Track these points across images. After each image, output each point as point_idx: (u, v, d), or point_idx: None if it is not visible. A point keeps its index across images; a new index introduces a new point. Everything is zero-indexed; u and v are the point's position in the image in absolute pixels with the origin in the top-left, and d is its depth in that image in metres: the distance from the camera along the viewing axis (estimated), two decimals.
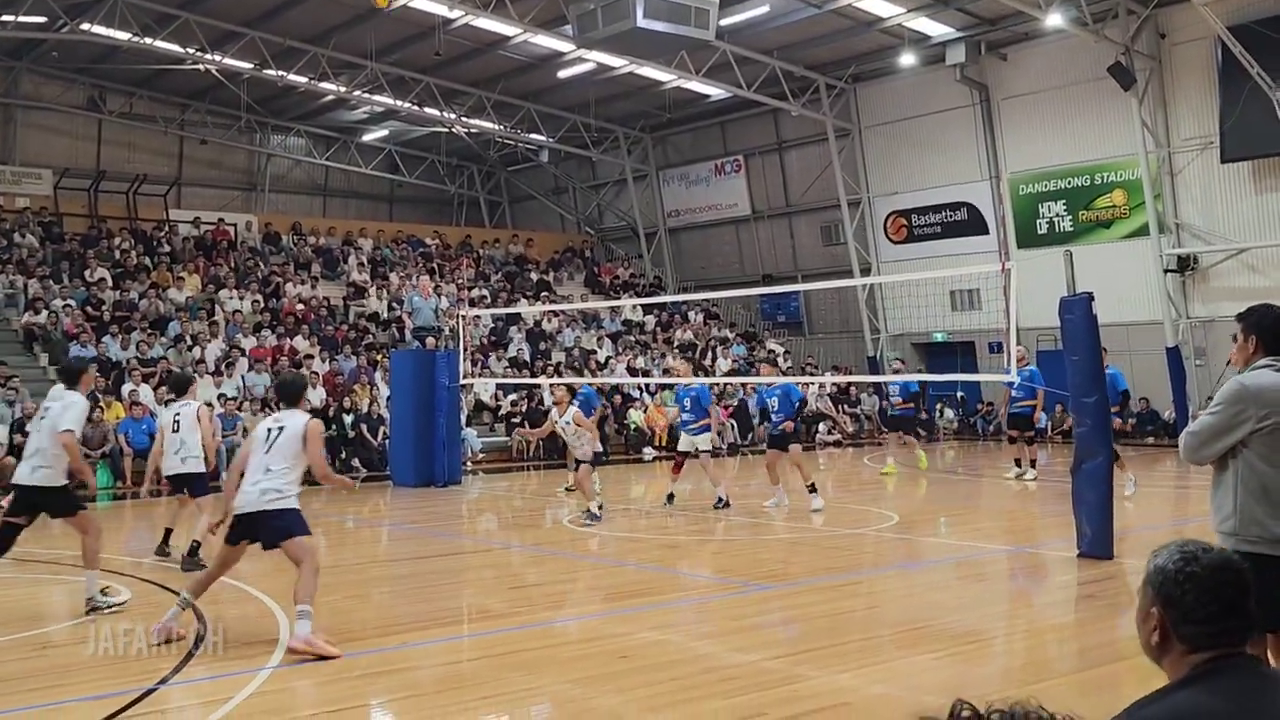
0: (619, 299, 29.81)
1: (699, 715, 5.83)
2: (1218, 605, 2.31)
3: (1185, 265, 24.71)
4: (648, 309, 30.77)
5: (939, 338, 28.69)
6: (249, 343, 23.42)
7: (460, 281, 29.04)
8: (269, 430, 7.72)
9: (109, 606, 8.69)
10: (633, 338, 29.53)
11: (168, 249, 26.82)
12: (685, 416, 15.38)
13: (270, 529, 7.41)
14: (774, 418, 14.75)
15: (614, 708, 6.09)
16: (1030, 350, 24.69)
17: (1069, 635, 8.13)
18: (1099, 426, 10.45)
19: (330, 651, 7.04)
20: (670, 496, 15.08)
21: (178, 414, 11.10)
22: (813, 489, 14.18)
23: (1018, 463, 17.99)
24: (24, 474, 8.97)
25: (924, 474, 19.26)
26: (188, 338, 22.75)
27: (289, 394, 8.05)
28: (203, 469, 11.24)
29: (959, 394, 28.98)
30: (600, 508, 13.51)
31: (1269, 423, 4.52)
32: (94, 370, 16.01)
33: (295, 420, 7.71)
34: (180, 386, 11.62)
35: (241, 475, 7.63)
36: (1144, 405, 25.14)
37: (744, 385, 26.06)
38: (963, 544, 12.42)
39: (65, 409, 8.91)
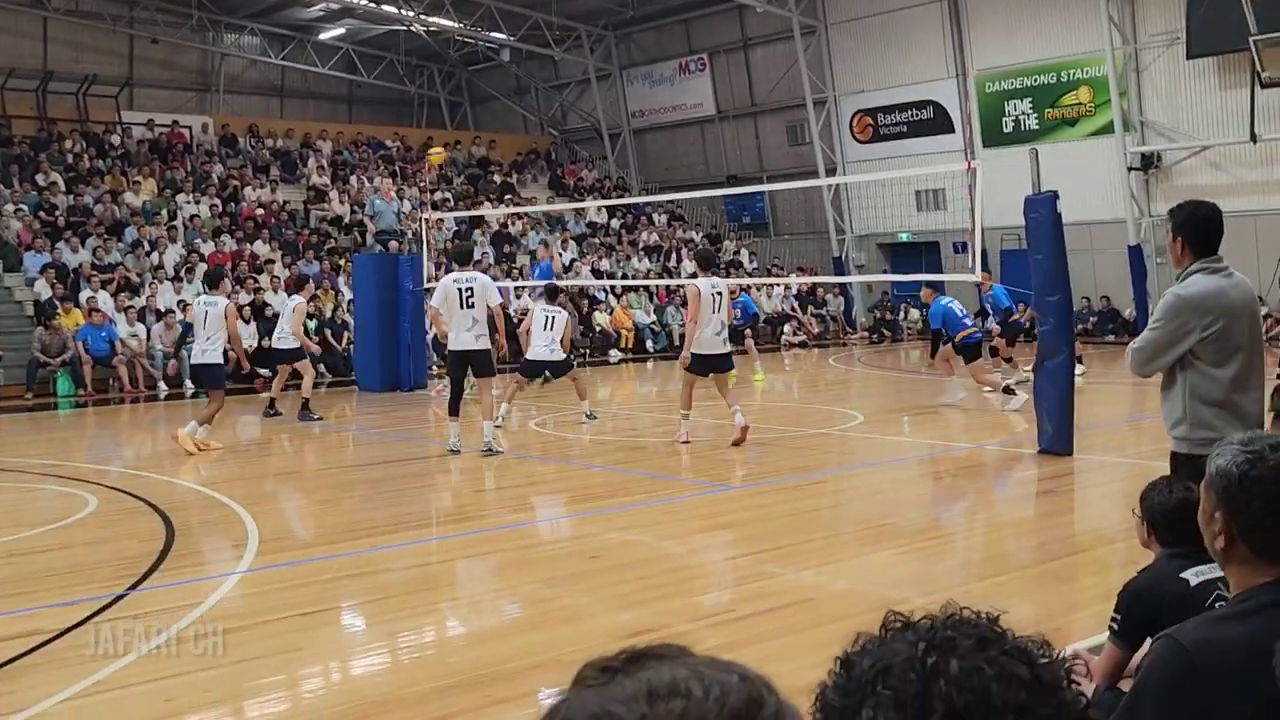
0: (583, 201, 29.56)
1: (668, 613, 5.92)
2: None
3: (1149, 163, 24.76)
4: (612, 211, 30.55)
5: (904, 238, 28.73)
6: (208, 248, 23.07)
7: (422, 184, 28.67)
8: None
9: None
10: (597, 240, 29.36)
11: (121, 152, 26.24)
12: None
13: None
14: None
15: (584, 606, 6.18)
16: (993, 250, 24.82)
17: (1028, 529, 8.30)
18: (1061, 325, 10.54)
19: None
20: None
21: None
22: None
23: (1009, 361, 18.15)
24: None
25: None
26: (145, 243, 22.38)
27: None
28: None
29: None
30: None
31: (1214, 329, 4.51)
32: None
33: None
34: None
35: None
36: (1105, 304, 25.39)
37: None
38: (926, 442, 12.59)
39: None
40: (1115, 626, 3.46)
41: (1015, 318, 16.54)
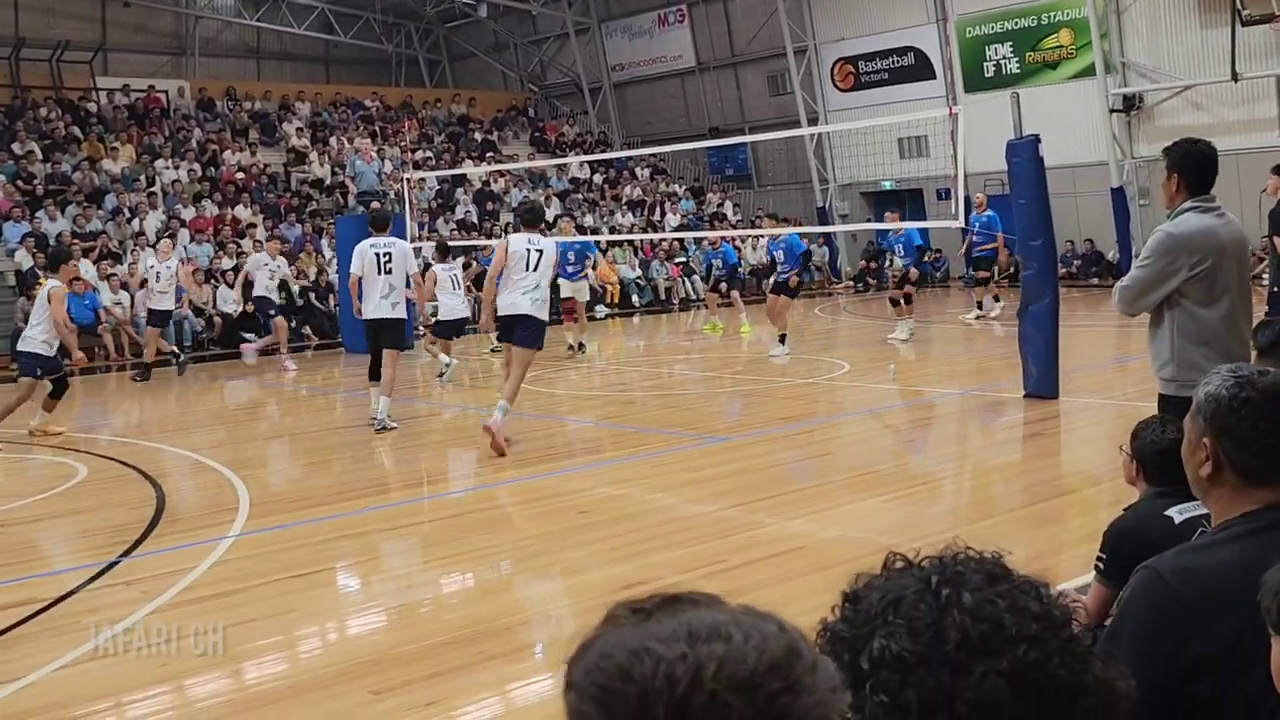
0: (565, 157, 29.38)
1: (660, 565, 5.97)
2: (1274, 434, 2.18)
3: (1131, 105, 24.69)
4: (594, 166, 30.38)
5: (887, 186, 28.64)
6: (189, 213, 22.90)
7: (403, 144, 28.45)
8: (528, 250, 9.51)
9: None
10: (580, 196, 29.22)
11: (97, 118, 25.95)
12: (781, 267, 15.60)
13: (530, 331, 9.47)
14: (780, 269, 15.46)
15: (576, 561, 6.22)
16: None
17: (1015, 473, 8.36)
18: (1046, 269, 10.56)
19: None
20: (782, 338, 15.06)
21: (388, 254, 10.86)
22: (783, 340, 14.72)
23: (979, 305, 18.28)
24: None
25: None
26: (126, 210, 22.20)
27: (533, 217, 10.18)
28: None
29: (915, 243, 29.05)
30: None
31: (1202, 268, 4.49)
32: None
33: (549, 245, 9.77)
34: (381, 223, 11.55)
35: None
36: (1089, 246, 25.41)
37: (696, 242, 26.03)
38: (912, 389, 12.64)
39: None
40: (1101, 565, 3.50)
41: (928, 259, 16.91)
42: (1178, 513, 3.23)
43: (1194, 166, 4.60)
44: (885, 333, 17.58)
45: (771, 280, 16.05)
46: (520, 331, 9.49)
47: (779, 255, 15.67)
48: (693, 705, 0.87)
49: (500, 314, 9.74)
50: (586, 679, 0.92)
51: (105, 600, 5.68)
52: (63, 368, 11.44)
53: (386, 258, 10.75)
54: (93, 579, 5.99)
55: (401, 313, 10.97)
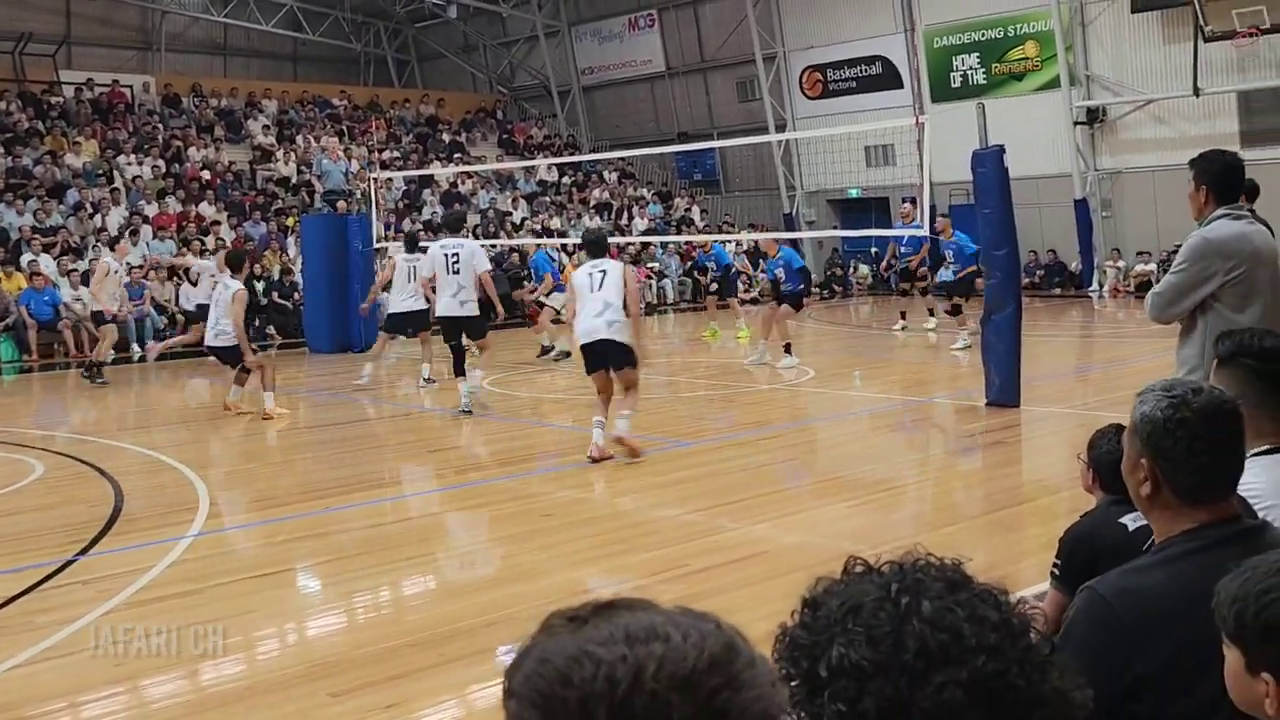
0: (533, 159, 29.34)
1: (624, 568, 5.97)
2: (1210, 454, 2.17)
3: (1094, 117, 24.97)
4: (563, 169, 30.35)
5: (854, 193, 28.79)
6: (152, 210, 22.68)
7: (370, 144, 28.31)
8: (590, 274, 9.09)
9: None
10: (548, 198, 29.19)
11: (60, 113, 25.65)
12: (785, 285, 15.05)
13: (621, 355, 8.88)
14: (784, 287, 14.93)
15: (538, 564, 6.21)
16: (942, 205, 24.96)
17: (976, 481, 8.43)
18: (1009, 278, 10.65)
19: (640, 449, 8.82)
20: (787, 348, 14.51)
21: (455, 255, 11.47)
22: (789, 350, 14.26)
23: (930, 312, 18.43)
24: None
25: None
26: (88, 205, 21.96)
27: (597, 247, 9.52)
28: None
29: (873, 249, 29.25)
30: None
31: (1237, 273, 4.49)
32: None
33: (614, 266, 9.27)
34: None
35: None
36: (1052, 256, 25.65)
37: (664, 247, 26.06)
38: (877, 396, 12.71)
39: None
40: (1056, 572, 3.53)
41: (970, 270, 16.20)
42: (1131, 520, 3.26)
43: (1221, 176, 4.61)
44: (850, 339, 17.66)
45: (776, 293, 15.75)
46: (612, 359, 8.90)
47: (780, 274, 15.09)
48: (634, 706, 0.87)
49: (581, 343, 9.21)
50: (526, 686, 0.91)
51: (60, 600, 5.61)
52: None
53: (454, 258, 11.33)
54: (48, 578, 5.92)
55: (472, 310, 11.51)
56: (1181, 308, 4.60)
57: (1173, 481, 2.19)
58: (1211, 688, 1.75)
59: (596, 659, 0.89)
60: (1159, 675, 2.03)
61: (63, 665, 4.74)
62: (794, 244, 16.52)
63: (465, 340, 11.77)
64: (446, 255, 11.35)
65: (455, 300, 11.32)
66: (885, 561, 1.17)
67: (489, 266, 12.09)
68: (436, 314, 11.69)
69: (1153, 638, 2.05)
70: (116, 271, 15.21)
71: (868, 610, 1.10)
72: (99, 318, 15.62)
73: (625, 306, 8.86)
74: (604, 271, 9.14)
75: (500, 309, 12.89)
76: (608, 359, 8.88)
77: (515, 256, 23.97)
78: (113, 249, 17.48)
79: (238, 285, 11.74)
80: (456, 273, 11.28)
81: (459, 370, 11.47)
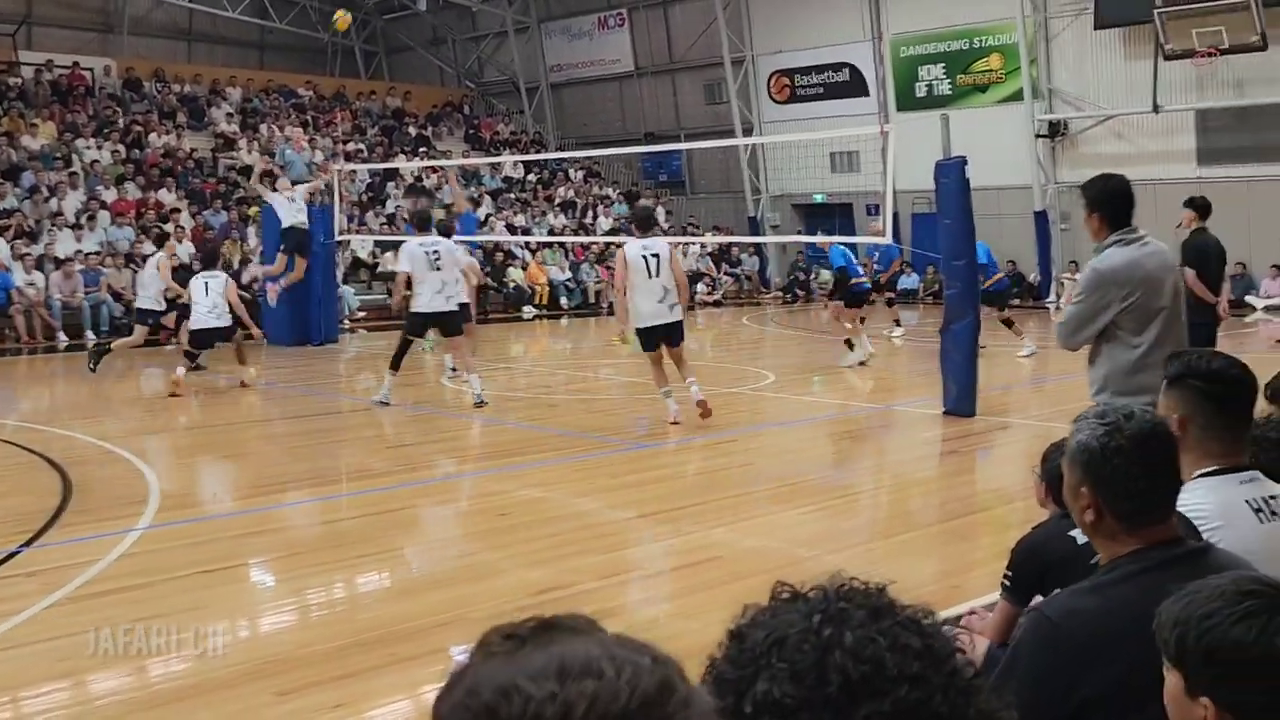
0: (499, 156, 29.23)
1: (578, 570, 5.95)
2: (1147, 477, 2.21)
3: (1056, 131, 25.23)
4: (528, 166, 30.27)
5: (818, 199, 28.93)
6: (110, 195, 22.39)
7: (335, 135, 28.10)
8: (644, 258, 10.11)
9: None
10: (513, 195, 29.11)
11: (18, 94, 25.25)
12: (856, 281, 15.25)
13: (680, 333, 10.32)
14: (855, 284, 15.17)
15: (493, 564, 6.18)
16: (905, 214, 25.12)
17: (932, 489, 8.48)
18: (968, 288, 10.73)
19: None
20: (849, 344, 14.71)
21: (435, 252, 11.48)
22: (851, 345, 14.56)
23: (897, 323, 18.55)
24: None
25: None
26: (44, 189, 21.64)
27: (646, 222, 11.05)
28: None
29: None
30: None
31: (1133, 299, 4.65)
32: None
33: (664, 247, 10.45)
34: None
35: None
36: (1011, 268, 25.86)
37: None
38: (835, 402, 12.77)
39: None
40: (1007, 583, 3.55)
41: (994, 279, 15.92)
42: (1081, 534, 3.29)
43: (1110, 202, 4.77)
44: (812, 344, 17.72)
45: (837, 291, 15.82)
46: (675, 337, 10.29)
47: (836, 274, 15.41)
48: None
49: (645, 325, 10.23)
50: (452, 716, 0.89)
51: (4, 592, 5.52)
52: None
53: (435, 255, 11.35)
54: None
55: (455, 305, 11.56)
56: (1085, 335, 4.79)
57: (1113, 508, 2.23)
58: (1159, 709, 1.77)
59: (525, 695, 0.86)
60: (1106, 697, 2.05)
61: (4, 659, 4.66)
62: (851, 248, 16.26)
63: (436, 336, 11.83)
64: (427, 253, 11.33)
65: (441, 296, 11.33)
66: (811, 587, 1.17)
67: (471, 259, 12.22)
68: (415, 309, 11.52)
69: (1099, 659, 2.07)
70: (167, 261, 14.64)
71: (791, 643, 1.09)
72: (145, 315, 14.54)
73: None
74: (656, 255, 10.21)
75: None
76: (671, 337, 10.24)
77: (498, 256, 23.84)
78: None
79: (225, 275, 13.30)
80: (438, 269, 11.29)
81: (396, 363, 11.44)
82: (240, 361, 13.30)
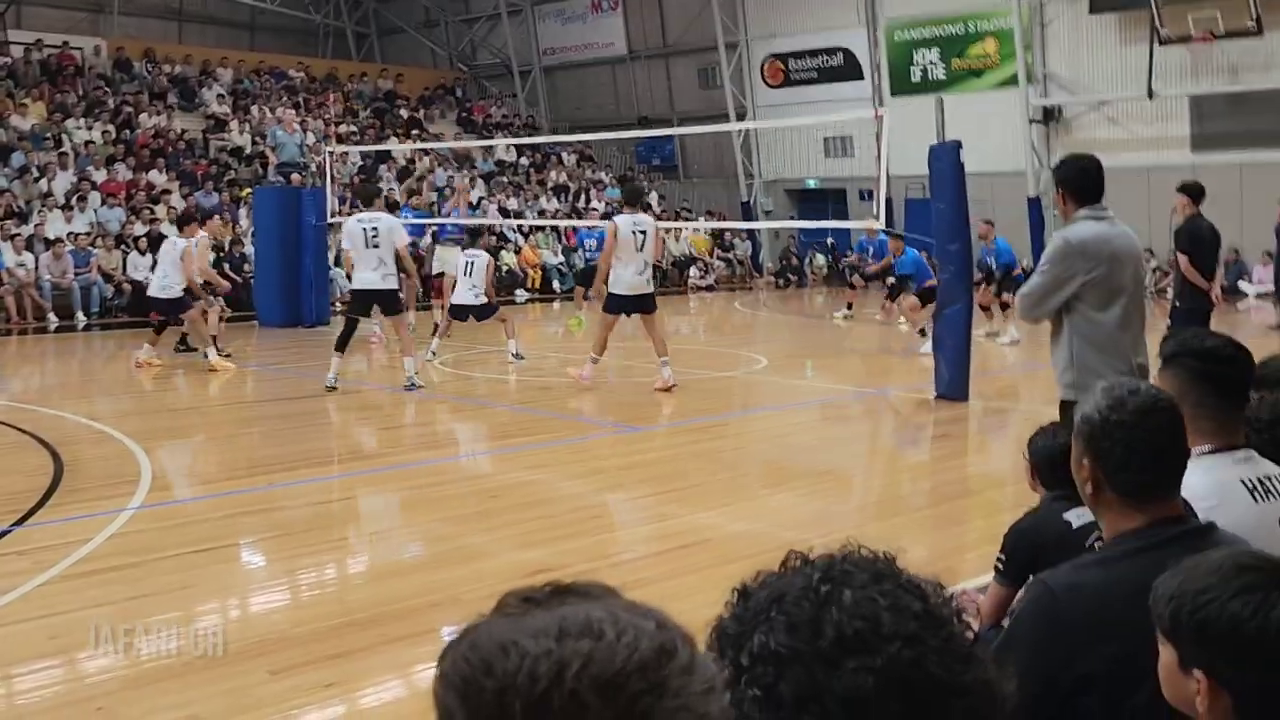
0: (492, 139, 29.13)
1: (569, 553, 5.96)
2: (1149, 452, 2.21)
3: (1050, 116, 25.22)
4: (521, 150, 30.19)
5: (811, 184, 28.91)
6: (100, 176, 22.28)
7: (327, 117, 27.98)
8: (634, 232, 10.97)
9: None
10: (505, 179, 29.03)
11: (7, 73, 25.09)
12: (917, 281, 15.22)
13: (653, 303, 11.16)
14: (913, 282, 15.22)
15: (484, 546, 6.18)
16: (898, 199, 25.12)
17: (923, 473, 8.50)
18: (961, 273, 10.73)
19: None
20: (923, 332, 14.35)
21: (374, 229, 11.28)
22: (924, 333, 14.15)
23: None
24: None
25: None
26: (34, 169, 21.52)
27: (634, 197, 12.17)
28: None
29: (829, 240, 29.40)
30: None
31: (1097, 273, 4.65)
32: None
33: (651, 224, 11.32)
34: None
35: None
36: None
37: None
38: (828, 386, 12.78)
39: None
40: (1000, 566, 3.57)
41: (1017, 272, 16.00)
42: (1075, 516, 3.30)
43: (1077, 178, 4.78)
44: (804, 329, 17.73)
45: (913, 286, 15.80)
46: (646, 305, 11.17)
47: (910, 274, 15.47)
48: (551, 703, 0.86)
49: (623, 293, 11.02)
50: (453, 669, 0.91)
51: None
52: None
53: (373, 231, 11.18)
54: None
55: (392, 284, 11.36)
56: (1048, 307, 4.77)
57: (1113, 481, 2.23)
58: (1157, 687, 1.77)
59: (522, 651, 0.88)
60: (1105, 673, 2.05)
61: None
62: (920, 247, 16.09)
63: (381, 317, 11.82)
64: (365, 229, 11.19)
65: (375, 274, 11.17)
66: (822, 554, 1.18)
67: (408, 240, 12.14)
68: (352, 287, 11.54)
69: (1098, 635, 2.07)
70: (197, 244, 14.18)
71: (790, 599, 1.11)
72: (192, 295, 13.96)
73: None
74: (644, 233, 11.09)
75: (417, 283, 13.57)
76: (644, 307, 11.13)
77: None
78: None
79: (186, 242, 12.89)
80: (375, 246, 11.14)
81: (341, 345, 11.29)
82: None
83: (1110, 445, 2.21)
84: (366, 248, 11.14)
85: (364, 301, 11.47)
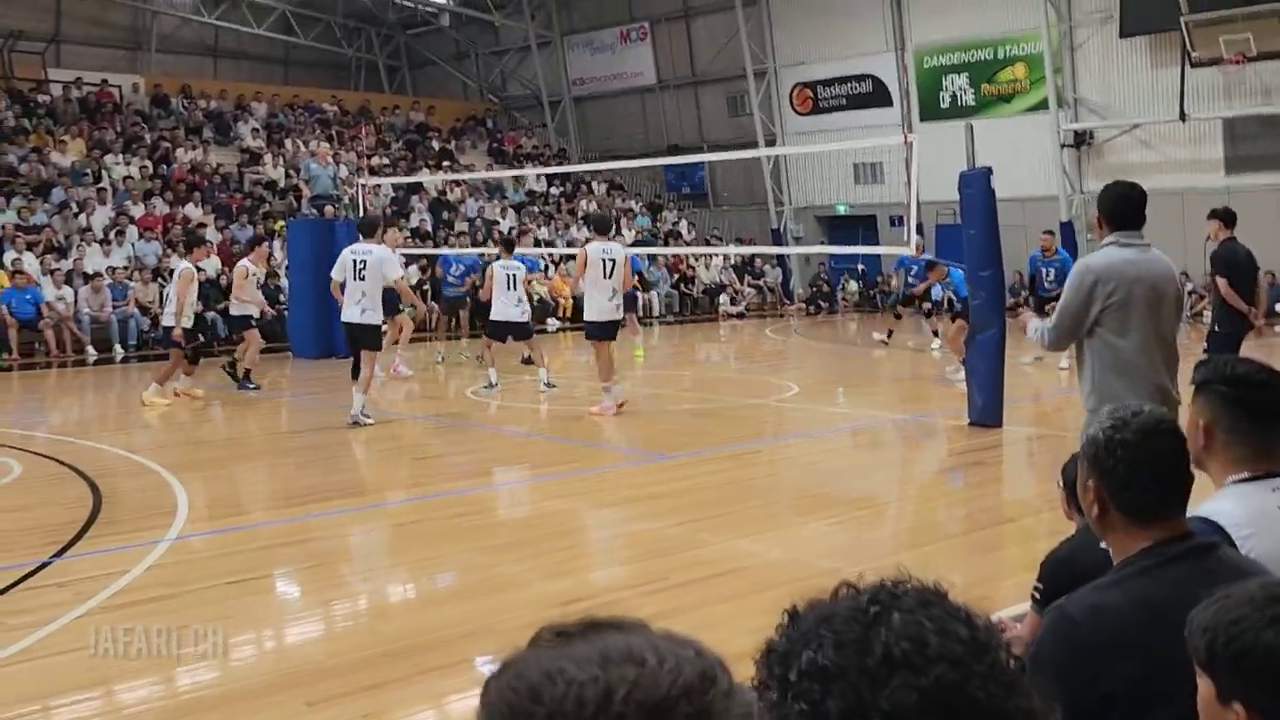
0: (523, 169, 29.34)
1: (602, 581, 5.96)
2: (1151, 472, 2.24)
3: (1081, 140, 25.12)
4: (551, 179, 30.37)
5: (841, 210, 28.89)
6: (138, 210, 22.61)
7: (360, 149, 28.27)
8: (604, 259, 11.33)
9: None
10: (536, 208, 29.19)
11: (47, 110, 25.55)
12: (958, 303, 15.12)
13: (367, 337, 11.17)
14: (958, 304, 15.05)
15: (517, 575, 6.19)
16: (929, 225, 25.05)
17: (957, 500, 8.44)
18: (993, 299, 10.67)
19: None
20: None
21: (363, 261, 11.31)
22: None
23: (935, 334, 18.37)
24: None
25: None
26: (73, 204, 21.87)
27: (604, 226, 12.46)
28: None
29: (860, 267, 29.36)
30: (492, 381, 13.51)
31: (1115, 298, 4.67)
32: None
33: (620, 252, 11.67)
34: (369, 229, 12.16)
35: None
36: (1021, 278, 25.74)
37: (652, 260, 26.05)
38: (860, 413, 12.73)
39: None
40: (1037, 595, 3.53)
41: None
42: None
43: (1112, 204, 4.81)
44: (835, 356, 17.64)
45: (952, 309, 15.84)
46: (610, 332, 11.67)
47: (951, 294, 15.54)
48: None
49: (604, 320, 11.52)
50: (499, 698, 0.92)
51: (36, 601, 5.57)
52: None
53: (362, 264, 11.16)
54: (23, 579, 5.87)
55: (371, 319, 11.28)
56: (1069, 331, 4.83)
57: (1118, 500, 2.26)
58: (1178, 707, 1.76)
59: (569, 678, 0.89)
60: (1126, 693, 2.06)
61: (36, 668, 4.70)
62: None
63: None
64: (355, 261, 11.17)
65: (356, 308, 11.13)
66: (869, 584, 1.20)
67: (400, 273, 12.07)
68: (341, 319, 11.48)
69: (1118, 655, 2.09)
70: (254, 274, 14.32)
71: (840, 619, 1.13)
72: (242, 323, 14.48)
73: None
74: (613, 260, 11.41)
75: (421, 308, 14.19)
76: (359, 340, 11.11)
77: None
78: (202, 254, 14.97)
79: (184, 265, 13.11)
80: (362, 279, 11.09)
81: (356, 373, 11.24)
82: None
83: (1114, 464, 2.25)
84: (354, 279, 11.12)
85: (348, 335, 11.40)
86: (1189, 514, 2.42)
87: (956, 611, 1.14)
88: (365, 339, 11.24)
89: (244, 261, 14.54)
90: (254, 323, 14.31)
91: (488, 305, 13.99)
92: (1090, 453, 2.30)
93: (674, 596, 5.62)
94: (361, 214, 18.06)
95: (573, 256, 25.80)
